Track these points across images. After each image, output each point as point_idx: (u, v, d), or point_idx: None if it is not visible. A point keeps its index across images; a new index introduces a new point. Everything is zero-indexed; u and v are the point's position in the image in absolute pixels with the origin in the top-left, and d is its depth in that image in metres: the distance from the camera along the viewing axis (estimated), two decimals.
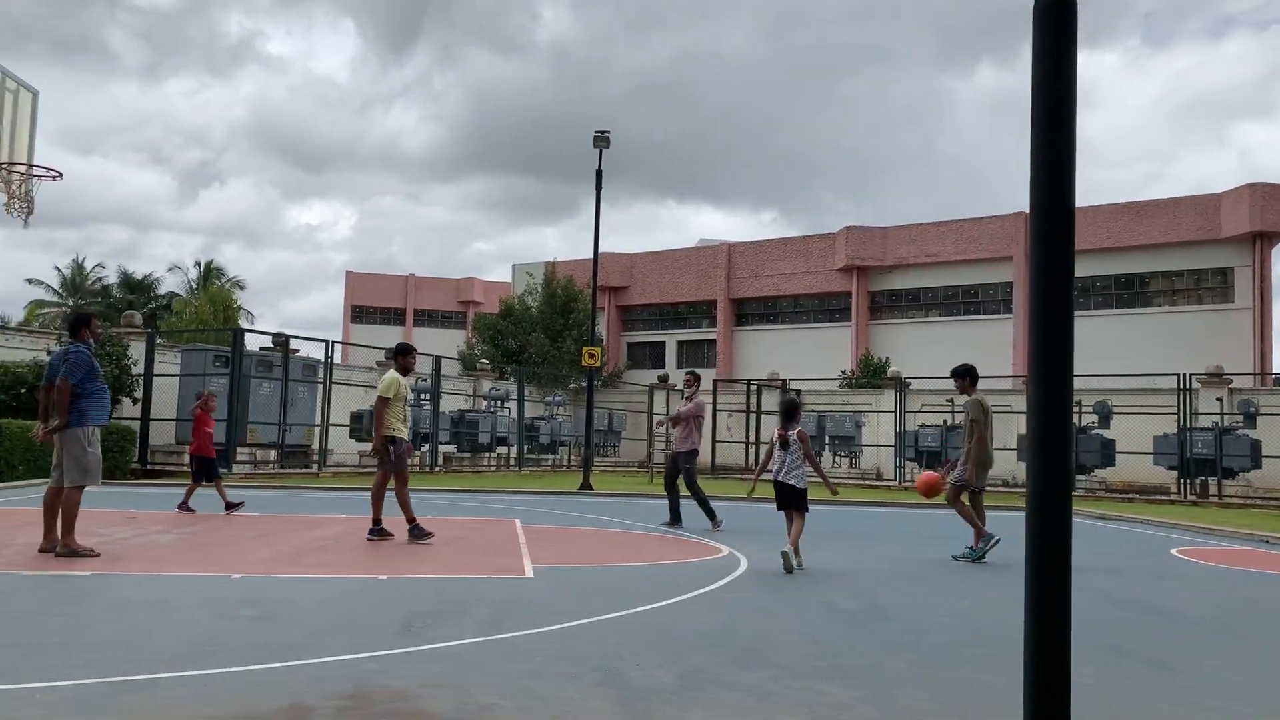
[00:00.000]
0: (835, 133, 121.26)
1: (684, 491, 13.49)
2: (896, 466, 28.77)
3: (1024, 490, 12.42)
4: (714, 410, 33.36)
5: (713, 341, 48.84)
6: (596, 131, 20.09)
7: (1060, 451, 2.62)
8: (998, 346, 41.65)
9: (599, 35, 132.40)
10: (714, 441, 32.71)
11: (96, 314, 9.07)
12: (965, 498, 10.63)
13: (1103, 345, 36.71)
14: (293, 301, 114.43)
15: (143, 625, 5.70)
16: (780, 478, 9.53)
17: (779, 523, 11.54)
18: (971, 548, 10.50)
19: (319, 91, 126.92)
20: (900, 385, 29.53)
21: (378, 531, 10.38)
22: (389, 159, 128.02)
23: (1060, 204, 2.49)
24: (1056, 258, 2.49)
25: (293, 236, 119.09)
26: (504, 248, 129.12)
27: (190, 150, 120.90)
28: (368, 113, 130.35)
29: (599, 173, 20.89)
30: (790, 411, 10.00)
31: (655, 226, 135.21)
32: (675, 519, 13.42)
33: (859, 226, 45.43)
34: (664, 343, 50.72)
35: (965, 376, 11.20)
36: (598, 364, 21.75)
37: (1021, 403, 27.38)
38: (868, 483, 29.35)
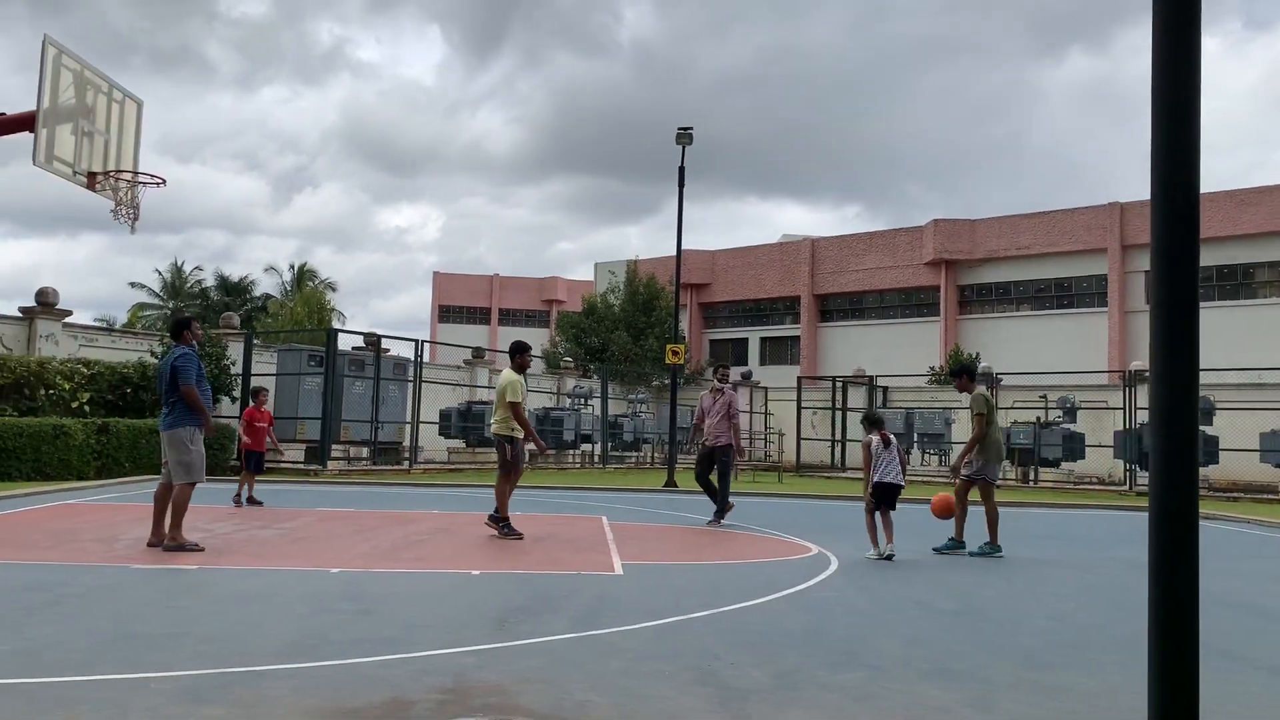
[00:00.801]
0: (921, 125, 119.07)
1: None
2: None
3: (1120, 489, 12.22)
4: (799, 408, 33.11)
5: (796, 338, 48.42)
6: (679, 128, 20.06)
7: (1186, 454, 2.51)
8: (1092, 341, 40.46)
9: (681, 33, 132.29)
10: (799, 439, 32.44)
11: (195, 317, 9.39)
12: (977, 492, 10.80)
13: (1205, 338, 35.32)
14: (383, 302, 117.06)
15: (247, 618, 5.87)
16: (890, 479, 9.74)
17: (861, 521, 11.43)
18: (953, 538, 10.62)
19: (407, 96, 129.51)
20: (991, 381, 28.85)
21: (508, 527, 10.30)
22: (475, 161, 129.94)
23: (1184, 192, 2.38)
24: (1181, 248, 2.39)
25: (383, 239, 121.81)
26: (587, 247, 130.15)
27: (284, 156, 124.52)
28: (454, 116, 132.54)
29: (681, 169, 20.86)
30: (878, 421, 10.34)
31: (737, 224, 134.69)
32: (721, 510, 13.11)
33: (947, 219, 44.55)
34: (746, 340, 50.46)
35: (963, 374, 11.45)
36: (681, 360, 21.75)
37: (1118, 399, 26.51)
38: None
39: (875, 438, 9.93)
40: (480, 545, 9.80)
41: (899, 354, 42.63)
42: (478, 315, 71.15)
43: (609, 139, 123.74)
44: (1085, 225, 41.52)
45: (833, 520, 14.73)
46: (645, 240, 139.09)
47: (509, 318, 70.88)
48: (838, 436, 33.73)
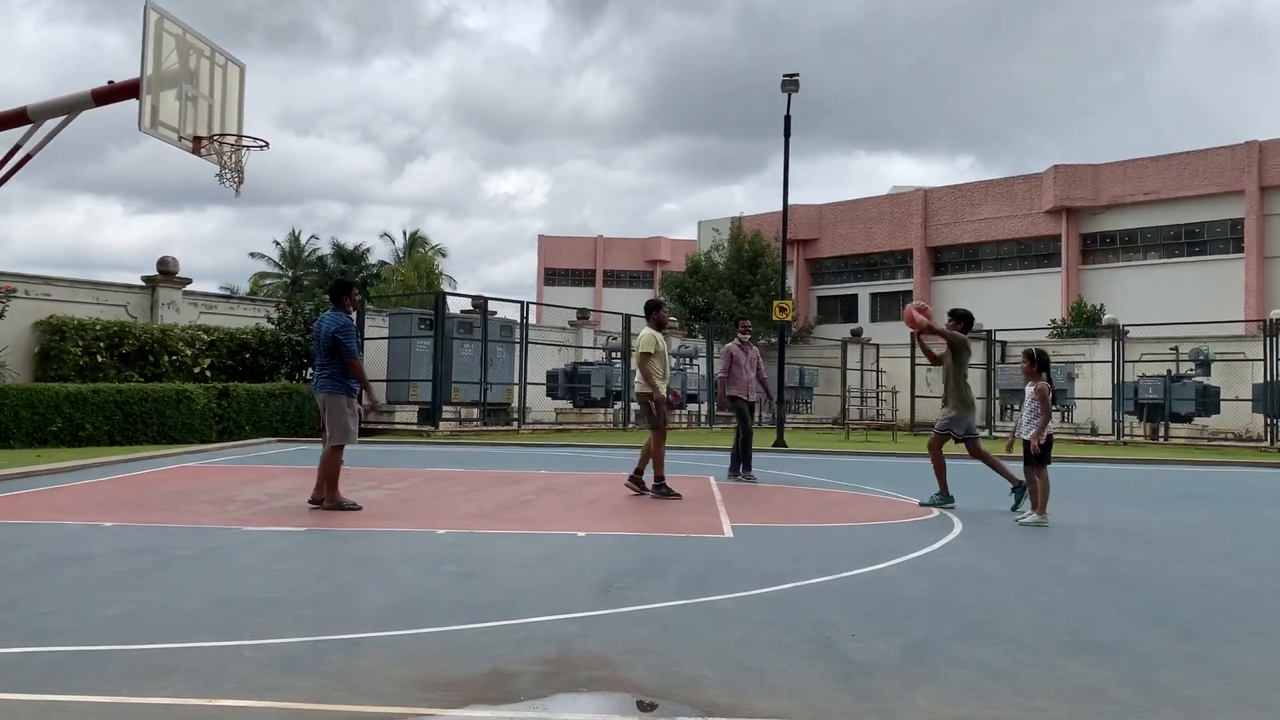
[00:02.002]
0: (1036, 72, 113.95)
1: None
2: (1115, 421, 26.80)
3: (1259, 445, 11.39)
4: (912, 364, 32.13)
5: (909, 292, 46.96)
6: (785, 75, 19.36)
7: None
8: (1227, 289, 38.14)
9: None
10: (913, 397, 31.52)
11: (355, 283, 9.43)
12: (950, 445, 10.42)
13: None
14: (491, 267, 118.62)
15: (350, 582, 5.76)
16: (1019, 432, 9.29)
17: (987, 480, 10.83)
18: (940, 494, 10.26)
19: (513, 63, 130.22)
20: (1117, 333, 27.42)
21: (661, 489, 10.31)
22: (579, 125, 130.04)
23: None
24: None
25: (491, 206, 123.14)
26: (691, 207, 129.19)
27: (397, 127, 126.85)
28: (560, 82, 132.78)
29: (788, 118, 20.17)
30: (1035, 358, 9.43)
31: (845, 179, 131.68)
32: (746, 468, 12.97)
33: (1068, 165, 42.44)
34: (856, 295, 49.26)
35: (960, 320, 10.92)
36: (789, 317, 21.18)
37: (1257, 349, 24.87)
38: (1082, 438, 27.53)
39: (1046, 384, 9.13)
40: (587, 506, 9.61)
41: (1018, 307, 41.00)
42: (583, 277, 71.32)
43: (713, 97, 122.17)
44: (1218, 167, 39.00)
45: (953, 480, 14.10)
46: (751, 198, 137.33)
47: (613, 279, 70.86)
48: None
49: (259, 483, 11.10)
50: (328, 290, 9.21)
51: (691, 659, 4.25)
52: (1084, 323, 36.58)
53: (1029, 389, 9.41)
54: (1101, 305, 38.38)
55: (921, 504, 10.20)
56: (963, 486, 12.15)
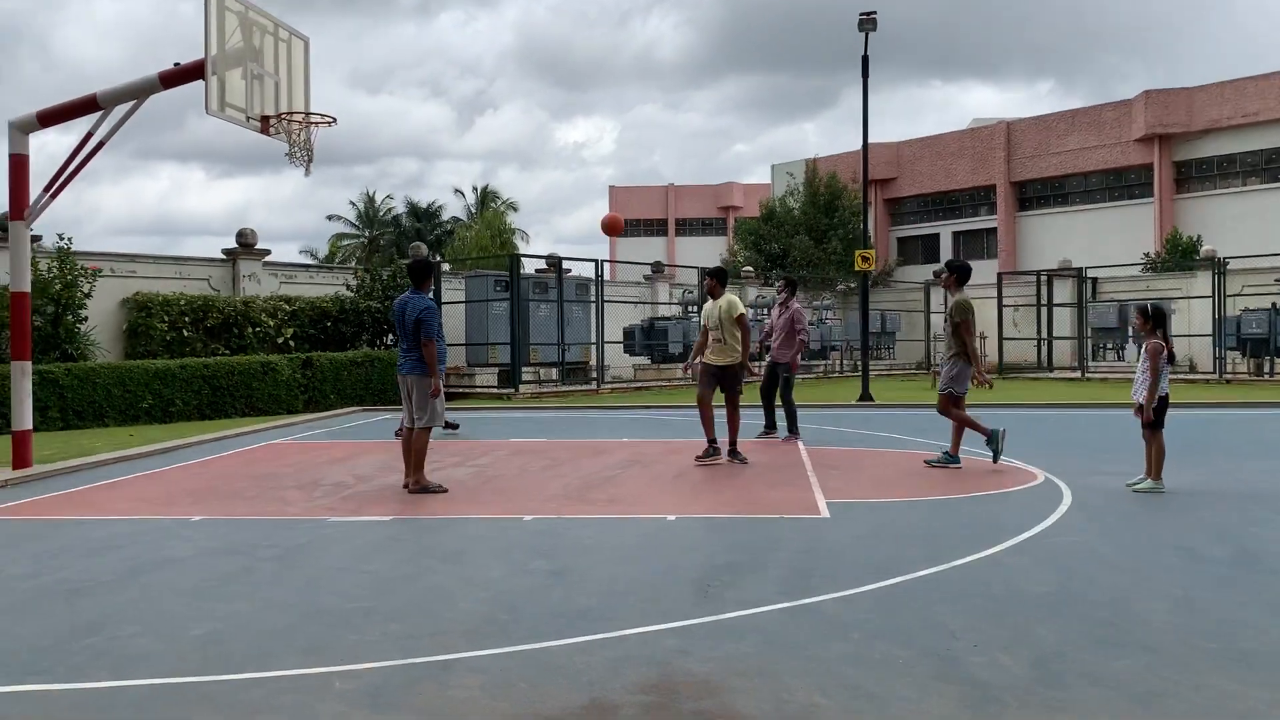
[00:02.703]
0: None
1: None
2: (1216, 358, 25.63)
3: None
4: (999, 305, 31.11)
5: (993, 230, 45.52)
6: (861, 14, 18.51)
7: None
8: None
9: None
10: (1000, 339, 30.55)
11: (426, 260, 9.34)
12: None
13: None
14: (563, 219, 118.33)
15: (438, 585, 5.58)
16: (1165, 391, 8.61)
17: (1093, 437, 10.30)
18: (948, 453, 10.03)
19: (578, 9, 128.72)
20: (1217, 266, 26.08)
21: (736, 452, 10.47)
22: (646, 70, 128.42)
23: None
24: None
25: (561, 156, 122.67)
26: (763, 148, 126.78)
27: (465, 81, 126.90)
28: (625, 25, 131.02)
29: (865, 59, 19.35)
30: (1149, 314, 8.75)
31: (921, 110, 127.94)
32: (770, 427, 13.01)
33: (1160, 89, 40.36)
34: (938, 235, 47.87)
35: (955, 272, 10.25)
36: (872, 267, 20.52)
37: None
38: (1181, 377, 26.37)
39: (1159, 343, 8.45)
40: (673, 482, 9.35)
41: (1109, 241, 39.42)
42: (655, 227, 70.74)
43: (781, 33, 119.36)
44: None
45: (1050, 435, 13.54)
46: (823, 135, 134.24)
47: (686, 227, 70.16)
48: (1043, 334, 31.61)
49: (344, 461, 11.08)
50: (408, 270, 9.08)
51: (803, 683, 3.95)
52: (1180, 255, 34.98)
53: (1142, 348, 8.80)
54: (1199, 236, 36.64)
55: (927, 463, 10.11)
56: (1068, 449, 11.60)
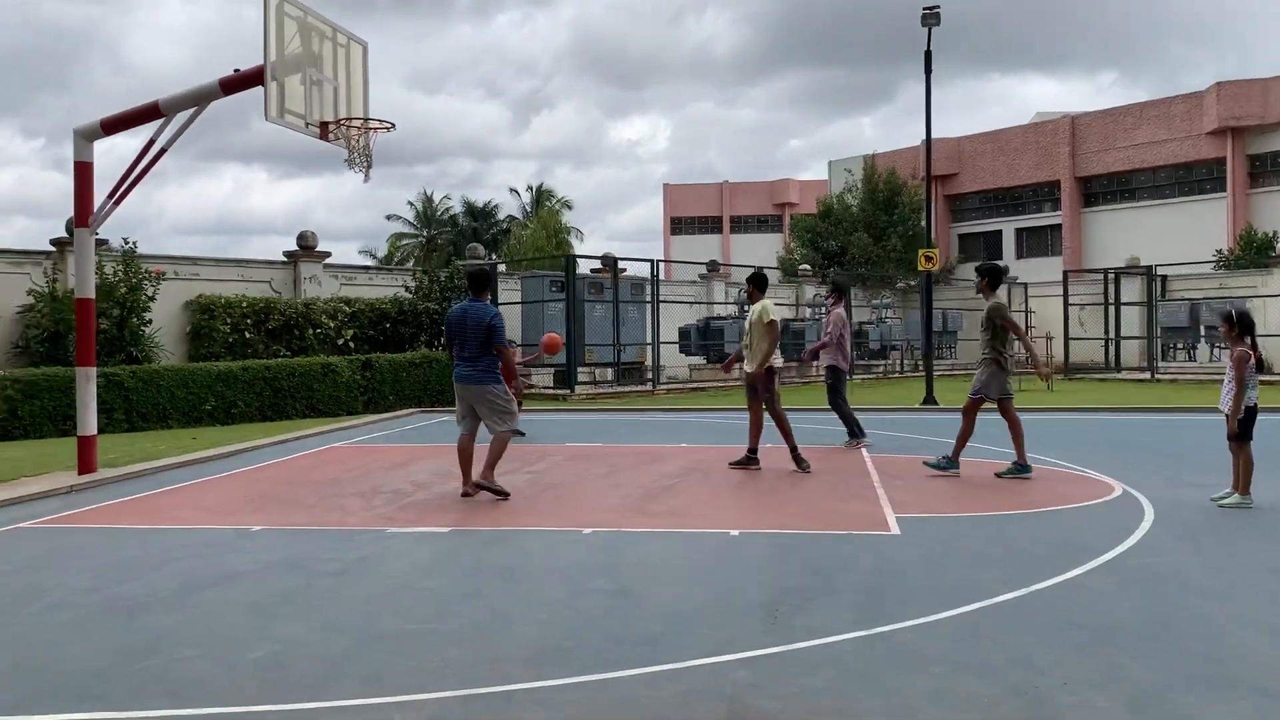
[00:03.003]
0: None
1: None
2: None
3: None
4: (1065, 303, 30.36)
5: (1057, 227, 44.47)
6: (925, 9, 18.09)
7: None
8: None
9: None
10: (1066, 339, 29.82)
11: (487, 264, 9.39)
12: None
13: None
14: (617, 216, 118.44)
15: (498, 605, 5.44)
16: (1253, 402, 8.20)
17: (1168, 444, 9.90)
18: (948, 457, 9.88)
19: (633, 6, 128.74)
20: None
21: (797, 459, 10.39)
22: (700, 67, 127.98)
23: None
24: None
25: (615, 153, 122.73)
26: (819, 143, 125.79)
27: (521, 81, 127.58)
28: (680, 22, 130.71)
29: (928, 54, 18.91)
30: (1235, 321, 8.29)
31: (980, 104, 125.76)
32: (852, 435, 12.65)
33: (1233, 81, 39.06)
34: (999, 232, 46.89)
35: (987, 276, 10.20)
36: (936, 266, 20.08)
37: None
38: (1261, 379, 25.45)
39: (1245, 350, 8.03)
40: (734, 493, 9.14)
41: (1178, 238, 38.25)
42: (709, 225, 70.36)
43: (837, 27, 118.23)
44: None
45: (1124, 439, 13.10)
46: (881, 129, 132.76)
47: (741, 225, 69.68)
48: (1110, 334, 30.78)
49: (402, 467, 11.04)
50: (469, 278, 9.07)
51: None
52: (1254, 252, 33.82)
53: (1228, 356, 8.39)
54: (1274, 233, 35.41)
55: (928, 464, 9.96)
56: (1143, 458, 11.17)
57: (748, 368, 10.49)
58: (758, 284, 10.79)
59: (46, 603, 5.57)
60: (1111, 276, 31.01)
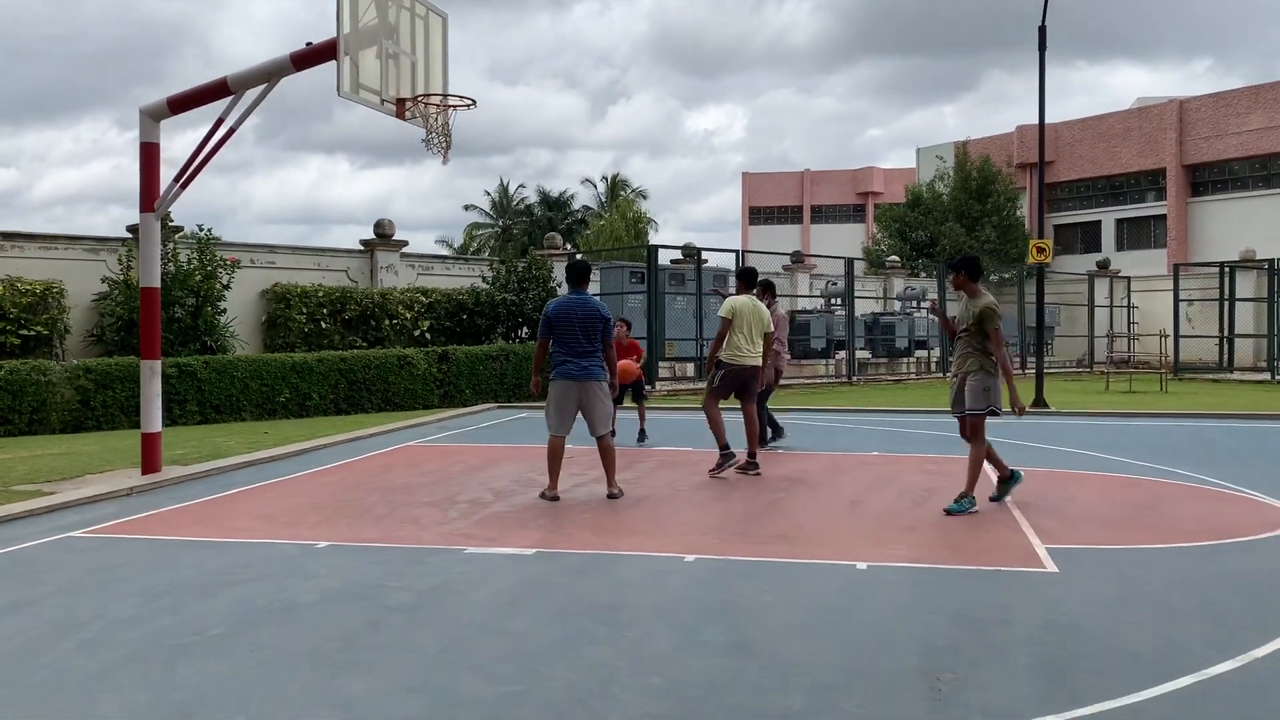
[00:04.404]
0: None
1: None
2: None
3: None
4: (1175, 299, 28.54)
5: (1161, 217, 42.22)
6: None
7: None
8: None
9: None
10: (1177, 337, 28.02)
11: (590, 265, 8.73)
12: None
13: None
14: (692, 205, 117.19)
15: (597, 660, 4.56)
16: None
17: None
18: (966, 495, 8.02)
19: None
20: None
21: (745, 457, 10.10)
22: (778, 55, 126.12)
23: None
24: None
25: (690, 143, 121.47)
26: (898, 132, 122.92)
27: (599, 71, 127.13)
28: (759, 11, 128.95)
29: (1042, 30, 17.53)
30: None
31: (1066, 93, 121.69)
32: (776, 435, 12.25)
33: None
34: (1099, 222, 44.72)
35: (961, 270, 8.23)
36: (1048, 259, 18.72)
37: None
38: None
39: None
40: (849, 512, 8.15)
41: None
42: (789, 214, 68.89)
43: (918, 14, 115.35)
44: None
45: (1268, 450, 11.77)
46: (964, 119, 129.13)
47: (821, 214, 68.06)
48: (1224, 332, 28.86)
49: (480, 471, 10.27)
50: (571, 270, 8.46)
51: None
52: None
53: None
54: None
55: (949, 510, 7.90)
56: None
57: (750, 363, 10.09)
58: (747, 279, 10.43)
59: (80, 640, 4.86)
60: (1226, 270, 29.05)
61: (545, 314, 8.47)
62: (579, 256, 24.98)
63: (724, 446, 9.91)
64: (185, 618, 5.20)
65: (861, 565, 6.27)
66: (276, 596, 5.60)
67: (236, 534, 7.31)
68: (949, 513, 7.85)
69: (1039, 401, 17.44)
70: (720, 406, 10.18)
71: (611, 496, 8.55)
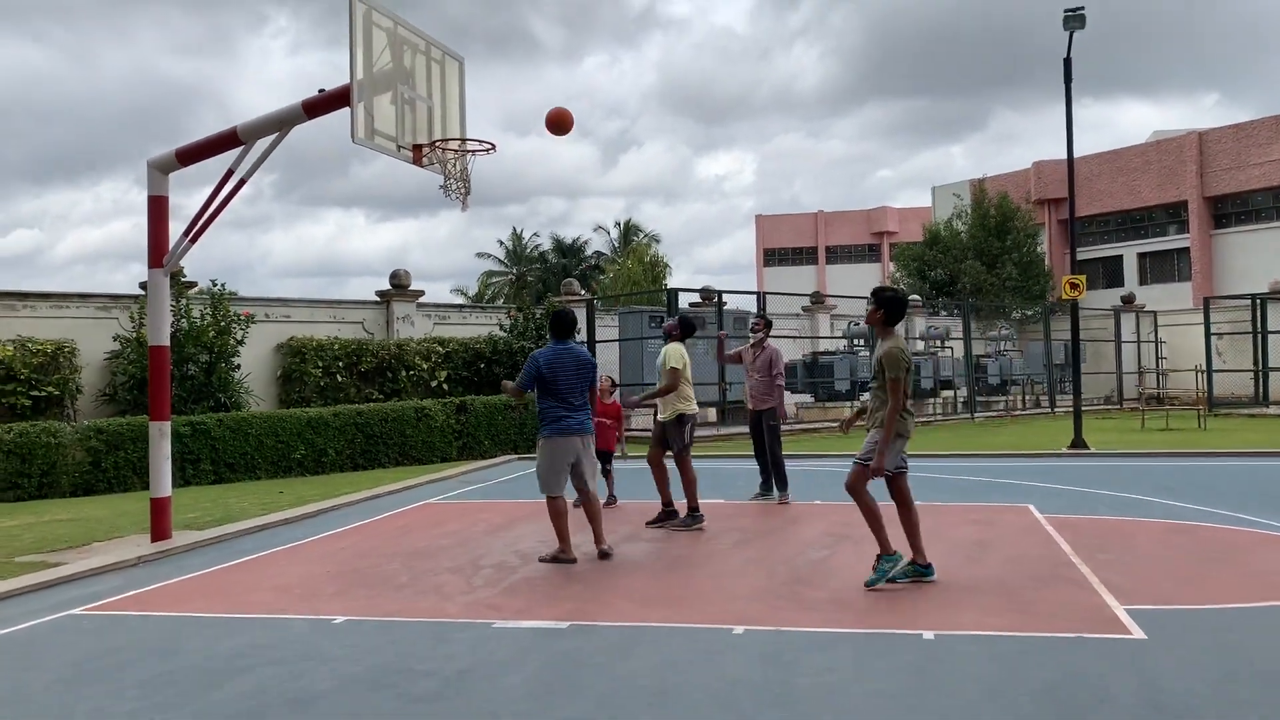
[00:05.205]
0: None
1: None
2: None
3: None
4: (1206, 332, 27.94)
5: (1184, 250, 41.67)
6: (1067, 11, 16.40)
7: None
8: None
9: None
10: (1210, 371, 27.37)
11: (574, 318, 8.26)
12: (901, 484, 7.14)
13: None
14: (704, 249, 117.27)
15: None
16: None
17: None
18: (912, 561, 7.11)
19: (719, 45, 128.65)
20: None
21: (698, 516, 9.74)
22: (786, 100, 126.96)
23: None
24: None
25: (702, 188, 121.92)
26: (908, 173, 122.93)
27: (610, 121, 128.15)
28: (767, 59, 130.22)
29: (1067, 61, 17.18)
30: None
31: (1075, 129, 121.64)
32: (768, 487, 11.49)
33: None
34: (1120, 257, 44.18)
35: (881, 307, 7.16)
36: (1083, 294, 18.23)
37: None
38: None
39: None
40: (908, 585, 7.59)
41: None
42: (804, 256, 68.63)
43: (925, 58, 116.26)
44: None
45: None
46: (973, 158, 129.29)
47: (836, 255, 67.77)
48: (1259, 365, 28.19)
49: (505, 531, 9.78)
50: (555, 320, 8.09)
51: None
52: None
53: None
54: None
55: (869, 585, 6.92)
56: None
57: (660, 415, 9.89)
58: (686, 329, 10.02)
59: None
60: (1258, 302, 28.43)
61: (536, 365, 7.98)
62: (589, 299, 24.59)
63: (668, 503, 9.85)
64: (189, 714, 4.70)
65: (929, 635, 5.72)
66: (290, 684, 5.09)
67: (248, 608, 6.82)
68: (870, 585, 6.88)
69: (1078, 442, 16.83)
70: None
71: (605, 555, 8.17)
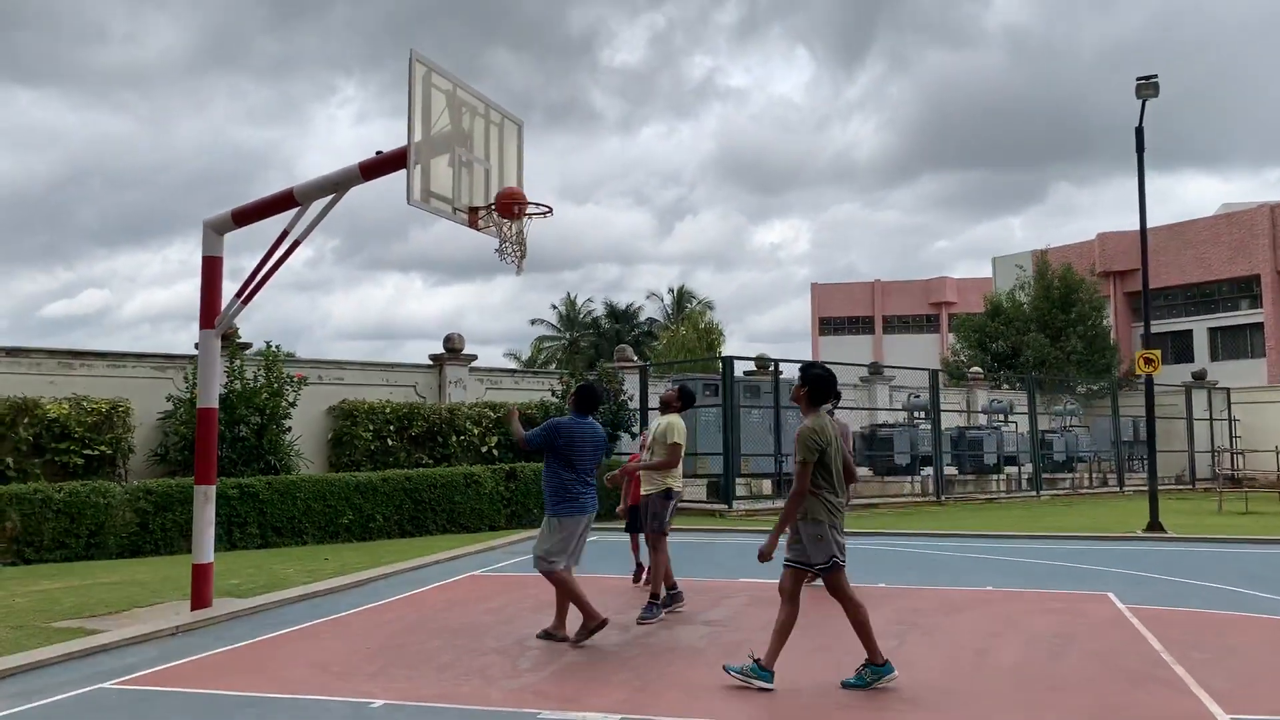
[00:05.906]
0: None
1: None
2: None
3: None
4: None
5: (1258, 325, 40.41)
6: (1139, 79, 16.02)
7: None
8: None
9: (1056, 10, 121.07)
10: None
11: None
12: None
13: None
14: (758, 316, 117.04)
15: None
16: None
17: None
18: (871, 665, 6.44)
19: (778, 116, 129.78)
20: None
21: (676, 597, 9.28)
22: (843, 170, 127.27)
23: None
24: None
25: (756, 256, 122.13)
26: (965, 244, 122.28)
27: (667, 189, 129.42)
28: (824, 130, 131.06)
29: (1139, 130, 16.74)
30: None
31: (1133, 204, 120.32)
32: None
33: None
34: (1190, 331, 43.00)
35: (807, 385, 6.57)
36: (1157, 369, 17.50)
37: None
38: None
39: None
40: (977, 663, 7.05)
41: None
42: (860, 325, 68.02)
43: (981, 130, 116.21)
44: None
45: None
46: (1032, 230, 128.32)
47: (893, 325, 67.08)
48: None
49: (550, 607, 9.32)
50: (580, 394, 7.98)
51: None
52: None
53: None
54: None
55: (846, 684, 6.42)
56: None
57: (644, 489, 9.37)
58: (686, 400, 9.54)
59: None
60: None
61: (556, 432, 7.71)
62: (643, 365, 24.30)
63: (673, 586, 9.32)
64: None
65: None
66: None
67: (284, 687, 6.48)
68: (846, 686, 6.40)
69: (1154, 525, 16.02)
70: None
71: (576, 641, 7.73)
